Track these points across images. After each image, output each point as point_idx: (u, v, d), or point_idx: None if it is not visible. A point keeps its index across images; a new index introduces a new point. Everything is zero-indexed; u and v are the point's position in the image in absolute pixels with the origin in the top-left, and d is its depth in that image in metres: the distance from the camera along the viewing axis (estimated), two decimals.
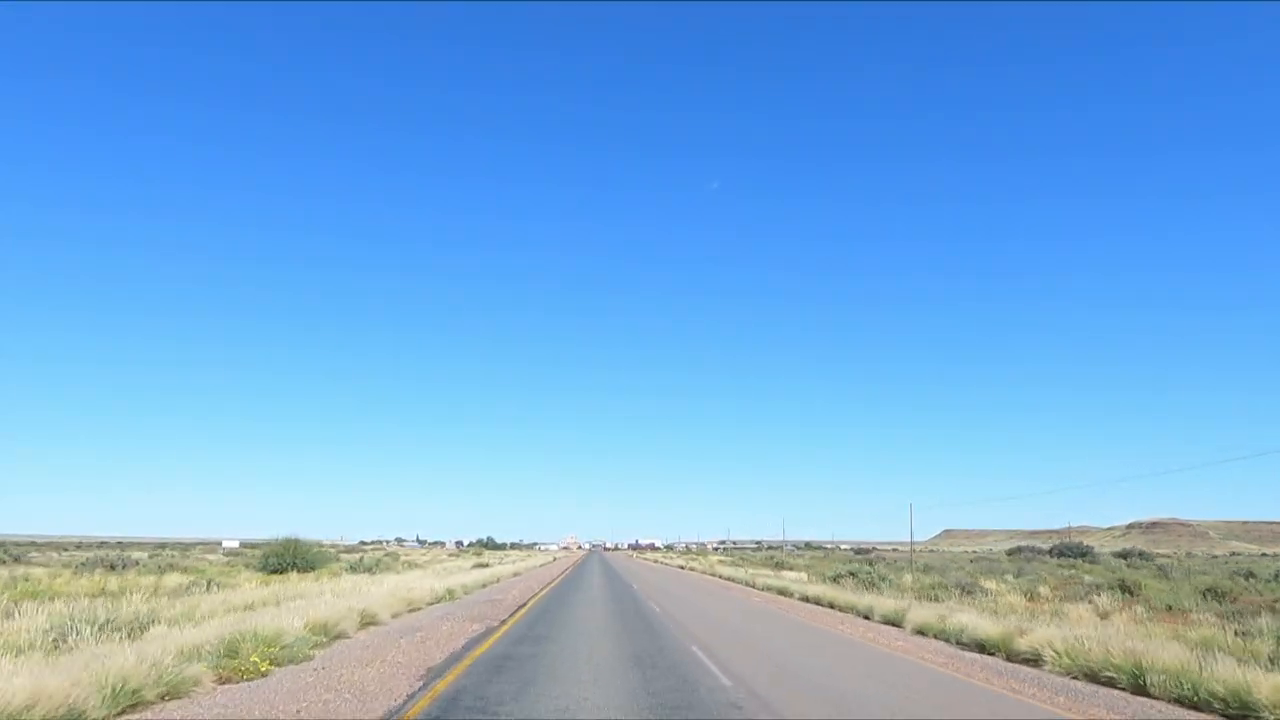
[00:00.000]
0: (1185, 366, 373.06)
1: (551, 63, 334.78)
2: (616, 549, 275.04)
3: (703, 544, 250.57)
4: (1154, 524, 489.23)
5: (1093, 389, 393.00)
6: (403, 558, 60.37)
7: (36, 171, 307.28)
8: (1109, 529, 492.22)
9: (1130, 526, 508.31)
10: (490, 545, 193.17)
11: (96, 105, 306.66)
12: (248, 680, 11.80)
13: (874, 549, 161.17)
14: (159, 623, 14.50)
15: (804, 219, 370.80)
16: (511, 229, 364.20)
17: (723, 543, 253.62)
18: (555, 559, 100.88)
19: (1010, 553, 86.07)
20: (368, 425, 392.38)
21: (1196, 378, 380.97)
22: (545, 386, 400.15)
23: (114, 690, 9.03)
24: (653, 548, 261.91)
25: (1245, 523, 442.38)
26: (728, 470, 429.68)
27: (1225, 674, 10.98)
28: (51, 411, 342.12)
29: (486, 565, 44.99)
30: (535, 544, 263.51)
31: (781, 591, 34.01)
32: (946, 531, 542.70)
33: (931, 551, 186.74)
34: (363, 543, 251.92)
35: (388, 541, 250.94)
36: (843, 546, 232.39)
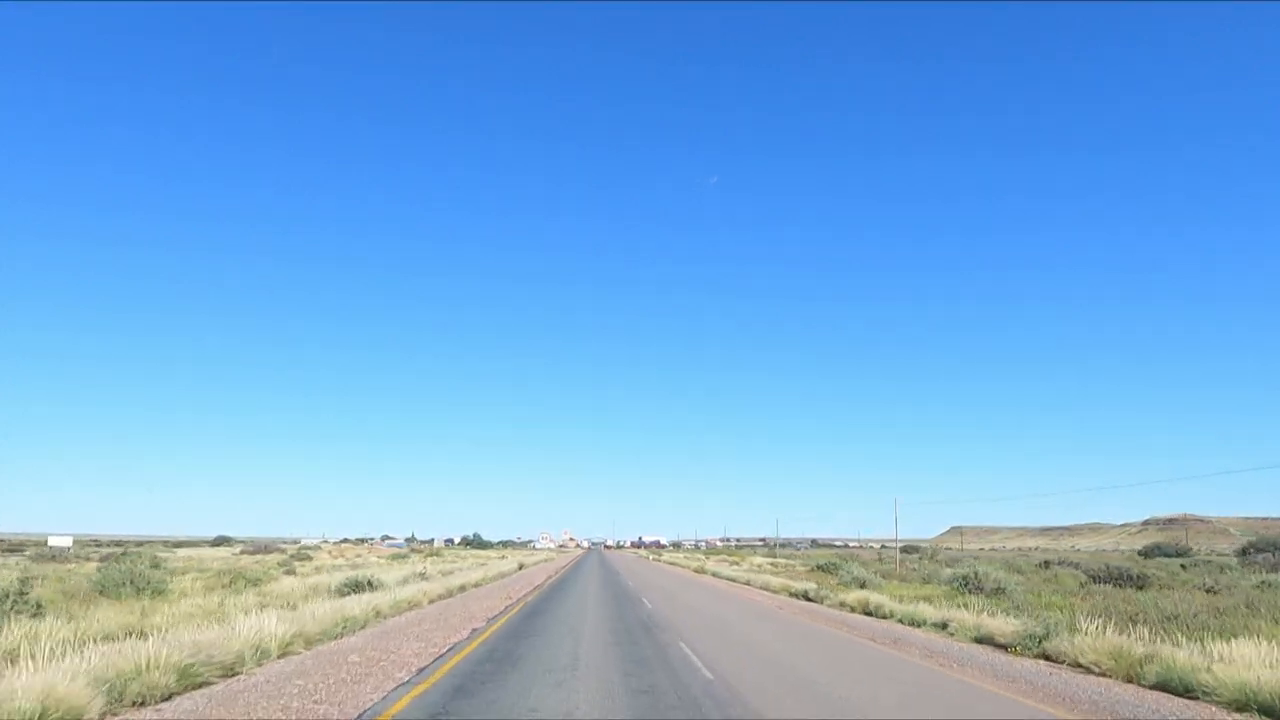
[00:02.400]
0: (1204, 363, 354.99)
1: (547, 57, 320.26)
2: (620, 547, 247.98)
3: (713, 542, 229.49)
4: (1171, 520, 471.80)
5: (1107, 384, 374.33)
6: (305, 561, 38.74)
7: (39, 168, 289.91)
8: (1123, 525, 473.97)
9: (1146, 523, 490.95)
10: (477, 543, 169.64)
11: (108, 102, 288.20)
12: None
13: (923, 546, 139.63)
14: None
15: (805, 214, 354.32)
16: (509, 225, 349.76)
17: (726, 540, 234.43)
18: (522, 566, 60.72)
19: (1144, 553, 64.32)
20: (365, 422, 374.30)
21: (1217, 374, 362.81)
22: (544, 383, 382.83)
23: None
24: (658, 545, 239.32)
25: (1266, 519, 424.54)
26: (727, 468, 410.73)
27: None
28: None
29: (368, 588, 22.27)
30: (530, 541, 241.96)
31: None
32: (954, 528, 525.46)
33: (942, 548, 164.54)
34: (345, 540, 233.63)
35: (373, 540, 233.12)
36: (853, 544, 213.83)
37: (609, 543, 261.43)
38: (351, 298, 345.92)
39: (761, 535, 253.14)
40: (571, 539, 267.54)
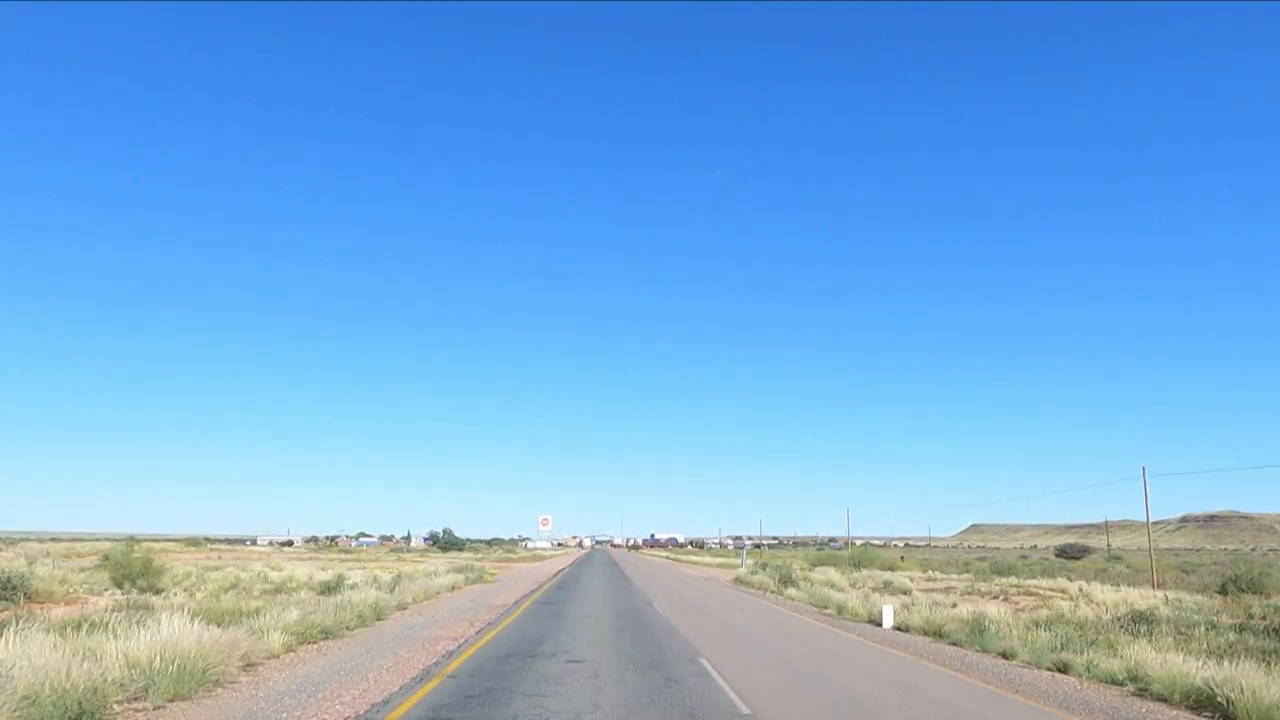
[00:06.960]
0: (1239, 359, 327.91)
1: (551, 55, 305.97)
2: (632, 547, 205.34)
3: (736, 541, 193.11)
4: (1212, 517, 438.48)
5: (1131, 382, 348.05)
6: None
7: (39, 166, 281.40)
8: (1157, 523, 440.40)
9: (1184, 520, 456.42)
10: (448, 543, 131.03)
11: (118, 102, 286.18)
12: None
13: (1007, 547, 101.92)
14: None
15: (812, 210, 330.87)
16: (511, 222, 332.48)
17: (736, 538, 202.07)
18: (436, 588, 30.00)
19: None
20: (364, 419, 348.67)
21: (1245, 371, 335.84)
22: (545, 381, 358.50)
23: None
24: (673, 543, 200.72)
25: None
26: (729, 466, 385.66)
27: None
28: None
29: None
30: (525, 540, 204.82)
31: None
32: (974, 527, 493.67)
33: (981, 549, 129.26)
34: (316, 538, 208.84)
35: (343, 537, 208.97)
36: (873, 542, 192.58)
37: (615, 541, 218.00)
38: (347, 295, 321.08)
39: (774, 534, 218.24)
40: (549, 527, 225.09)
